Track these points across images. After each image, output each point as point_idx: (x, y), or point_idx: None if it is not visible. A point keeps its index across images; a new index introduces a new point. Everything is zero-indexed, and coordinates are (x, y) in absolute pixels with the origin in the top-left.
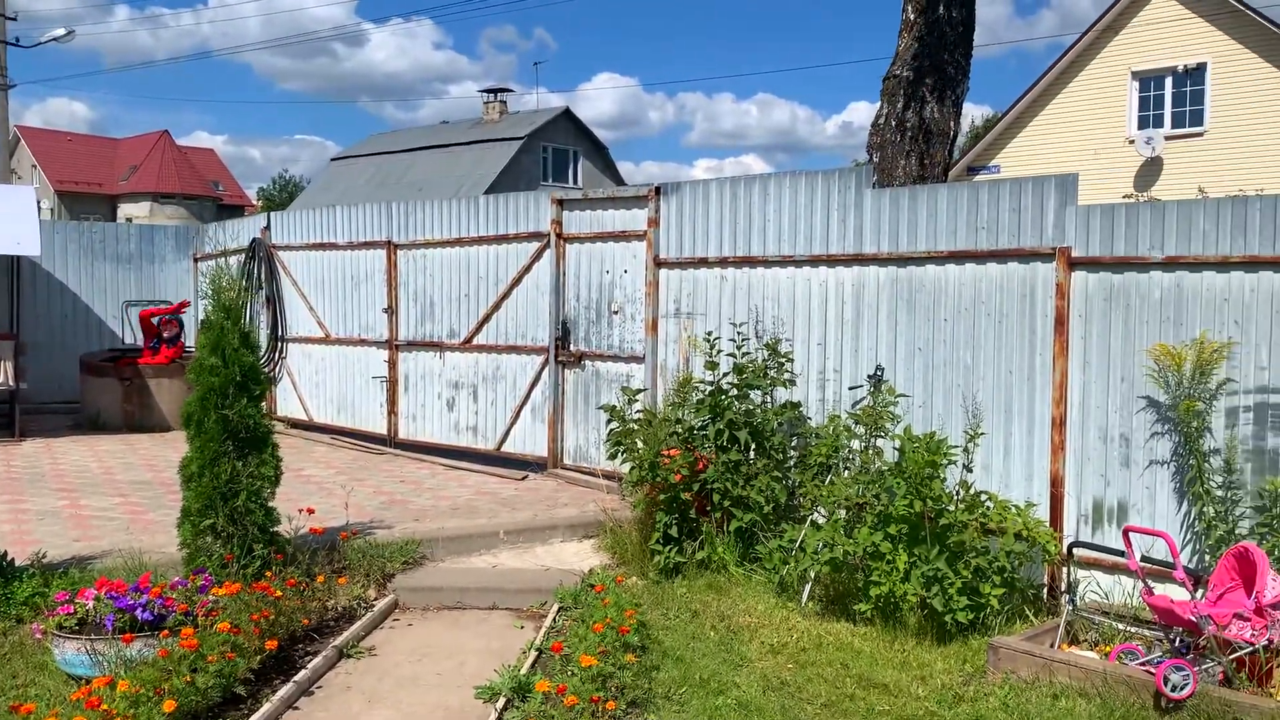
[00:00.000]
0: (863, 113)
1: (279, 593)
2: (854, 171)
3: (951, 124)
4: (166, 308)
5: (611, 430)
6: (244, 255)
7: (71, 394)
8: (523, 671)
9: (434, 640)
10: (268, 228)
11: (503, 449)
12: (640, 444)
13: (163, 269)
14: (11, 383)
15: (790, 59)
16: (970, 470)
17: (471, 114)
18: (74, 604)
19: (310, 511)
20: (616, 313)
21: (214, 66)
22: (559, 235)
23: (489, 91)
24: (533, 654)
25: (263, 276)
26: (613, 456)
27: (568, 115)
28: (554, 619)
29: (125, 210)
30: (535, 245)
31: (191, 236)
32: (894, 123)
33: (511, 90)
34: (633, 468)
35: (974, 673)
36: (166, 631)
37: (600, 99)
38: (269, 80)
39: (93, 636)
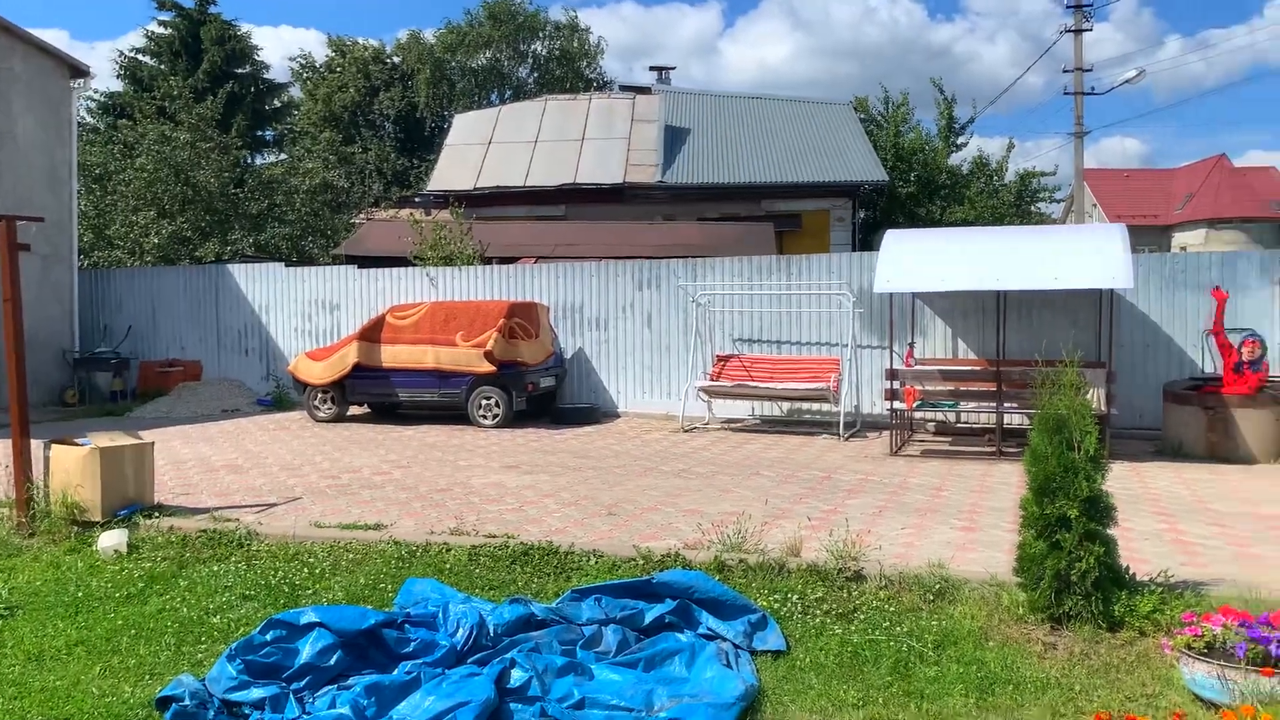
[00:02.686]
0: None
1: None
2: None
3: None
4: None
5: None
6: None
7: (1151, 421)
8: None
9: None
10: None
11: None
12: None
13: (1244, 296)
14: (1104, 408)
15: None
16: None
17: None
18: (1200, 627)
19: None
20: None
21: (1271, 80)
22: None
23: None
24: None
25: None
26: None
27: None
28: None
29: (1179, 239)
30: None
31: (1276, 262)
32: None
33: None
34: None
35: None
36: None
37: None
38: None
39: (1223, 663)
